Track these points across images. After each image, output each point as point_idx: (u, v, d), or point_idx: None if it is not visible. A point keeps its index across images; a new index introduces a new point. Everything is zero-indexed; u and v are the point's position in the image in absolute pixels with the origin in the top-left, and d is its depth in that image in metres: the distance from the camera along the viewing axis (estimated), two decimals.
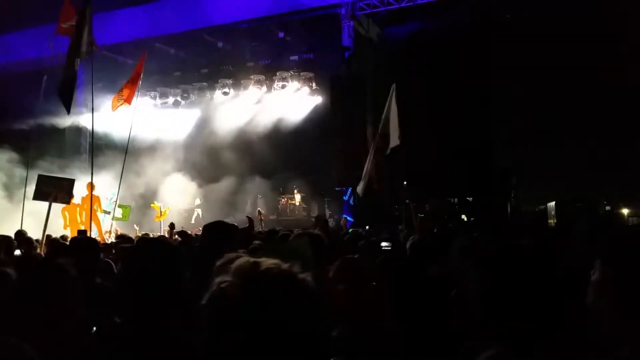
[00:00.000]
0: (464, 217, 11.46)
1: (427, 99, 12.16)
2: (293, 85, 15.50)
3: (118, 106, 11.94)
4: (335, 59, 13.44)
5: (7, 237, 5.25)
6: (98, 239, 10.75)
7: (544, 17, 11.25)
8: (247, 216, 6.64)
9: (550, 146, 11.47)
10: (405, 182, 12.36)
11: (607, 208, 10.34)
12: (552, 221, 9.47)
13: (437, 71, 12.29)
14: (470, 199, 12.02)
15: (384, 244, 5.55)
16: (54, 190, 8.48)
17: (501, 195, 11.45)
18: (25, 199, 11.31)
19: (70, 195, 9.25)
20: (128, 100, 11.68)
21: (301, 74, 15.07)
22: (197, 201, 16.52)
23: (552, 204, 9.93)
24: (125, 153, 11.32)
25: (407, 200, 12.37)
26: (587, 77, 10.77)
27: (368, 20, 13.68)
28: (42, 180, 8.70)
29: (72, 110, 16.86)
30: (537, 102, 11.51)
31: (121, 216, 11.82)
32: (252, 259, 1.09)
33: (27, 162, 13.20)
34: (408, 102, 12.11)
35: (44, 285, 1.95)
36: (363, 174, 8.68)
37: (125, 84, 11.95)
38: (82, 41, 9.57)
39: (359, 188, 8.74)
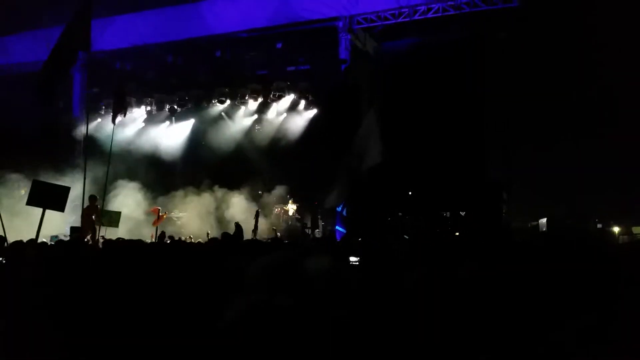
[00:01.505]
0: (456, 233, 11.50)
1: (421, 113, 12.26)
2: (289, 95, 15.60)
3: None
4: (331, 71, 13.56)
5: None
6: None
7: (540, 35, 11.41)
8: (236, 222, 6.67)
9: (543, 162, 11.57)
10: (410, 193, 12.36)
11: (599, 225, 10.40)
12: (542, 238, 9.51)
13: (431, 86, 12.42)
14: (463, 213, 12.07)
15: (352, 258, 4.81)
16: (48, 197, 8.44)
17: (492, 210, 11.51)
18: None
19: (64, 204, 9.21)
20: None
21: (298, 84, 15.17)
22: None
23: (544, 220, 9.99)
24: (109, 159, 11.20)
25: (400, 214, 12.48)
26: (583, 95, 10.90)
27: (365, 34, 13.84)
28: (36, 186, 8.61)
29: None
30: (530, 119, 11.63)
31: (110, 222, 11.70)
32: None
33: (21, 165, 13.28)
34: (402, 115, 12.26)
35: None
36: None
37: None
38: (76, 40, 9.50)
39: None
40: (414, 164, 11.98)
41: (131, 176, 15.79)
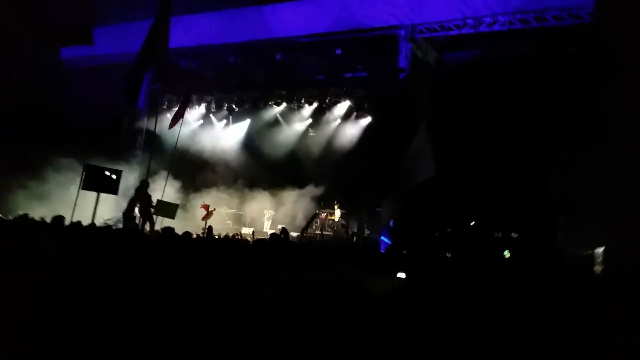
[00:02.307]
0: (506, 253, 11.07)
1: (479, 128, 11.93)
2: (345, 102, 15.60)
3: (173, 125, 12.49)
4: (389, 80, 13.43)
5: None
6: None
7: (610, 53, 10.84)
8: (282, 226, 6.69)
9: (605, 186, 10.97)
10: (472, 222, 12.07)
11: None
12: (598, 267, 9.01)
13: (492, 100, 12.06)
14: (516, 235, 11.63)
15: (400, 274, 4.47)
16: (102, 181, 8.79)
17: (547, 234, 11.03)
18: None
19: (117, 187, 9.52)
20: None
21: (354, 91, 15.13)
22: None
23: (600, 249, 9.45)
24: (174, 151, 11.51)
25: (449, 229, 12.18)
26: None
27: (427, 44, 13.62)
28: (90, 170, 8.96)
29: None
30: (594, 140, 11.06)
31: (166, 214, 11.96)
32: None
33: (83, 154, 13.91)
34: (460, 129, 11.97)
35: None
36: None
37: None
38: (157, 43, 10.02)
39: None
40: (467, 180, 11.66)
41: (184, 172, 16.25)
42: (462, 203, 11.65)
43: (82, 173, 10.35)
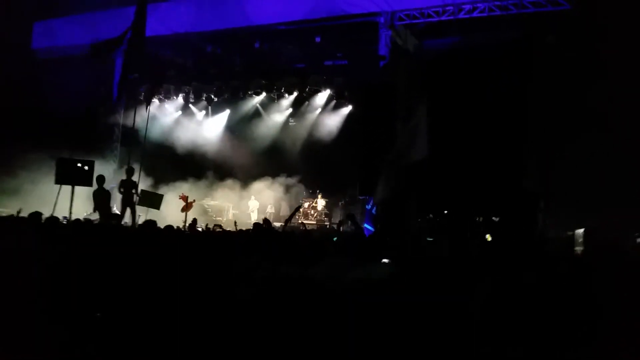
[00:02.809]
0: (488, 237, 11.19)
1: (459, 114, 11.96)
2: (325, 90, 15.51)
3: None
4: (369, 68, 13.37)
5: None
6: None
7: (590, 40, 10.95)
8: (264, 218, 6.61)
9: (584, 171, 11.13)
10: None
11: (638, 240, 9.93)
12: (578, 248, 9.15)
13: (472, 87, 12.09)
14: (497, 219, 11.75)
15: (384, 260, 4.54)
16: (75, 174, 8.60)
17: (527, 217, 11.16)
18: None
19: (91, 178, 9.34)
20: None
21: (334, 79, 15.04)
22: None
23: (580, 231, 9.60)
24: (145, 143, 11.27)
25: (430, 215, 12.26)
26: (634, 106, 10.41)
27: (406, 31, 13.57)
28: (61, 164, 8.77)
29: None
30: (573, 126, 11.19)
31: (151, 204, 11.68)
32: None
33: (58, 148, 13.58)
34: (439, 115, 11.99)
35: None
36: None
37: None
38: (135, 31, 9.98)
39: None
40: (447, 166, 11.70)
41: (164, 164, 16.02)
42: (443, 188, 11.70)
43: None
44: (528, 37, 12.08)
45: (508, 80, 11.87)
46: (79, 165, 9.06)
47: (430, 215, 12.18)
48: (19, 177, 13.82)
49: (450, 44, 13.26)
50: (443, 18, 12.86)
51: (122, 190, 11.65)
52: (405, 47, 13.34)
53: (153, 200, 11.44)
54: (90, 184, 9.32)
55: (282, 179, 16.01)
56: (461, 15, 12.74)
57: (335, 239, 5.99)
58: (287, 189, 16.03)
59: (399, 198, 10.07)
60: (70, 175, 8.63)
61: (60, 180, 8.64)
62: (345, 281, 2.69)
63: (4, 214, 8.88)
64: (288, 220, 7.76)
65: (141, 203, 11.29)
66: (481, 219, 11.74)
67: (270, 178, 16.08)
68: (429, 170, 9.58)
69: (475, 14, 12.64)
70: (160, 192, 13.35)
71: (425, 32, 13.56)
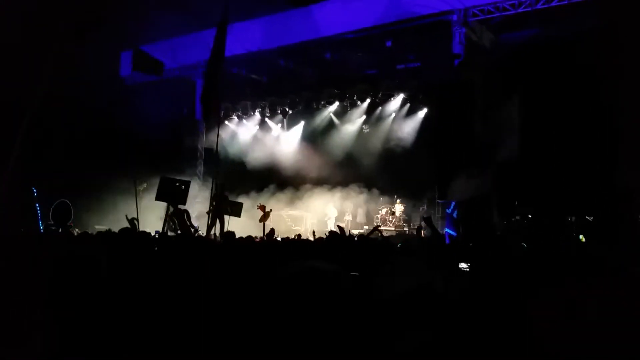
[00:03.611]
0: (581, 237, 10.42)
1: (543, 110, 11.30)
2: (399, 95, 15.30)
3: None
4: (443, 68, 13.01)
5: None
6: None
7: None
8: (338, 225, 6.53)
9: None
10: (516, 202, 11.55)
11: None
12: None
13: (556, 80, 11.39)
14: (591, 218, 10.93)
15: (462, 265, 4.37)
16: (173, 192, 9.09)
17: (625, 217, 10.27)
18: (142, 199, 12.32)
19: (186, 197, 9.81)
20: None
21: (407, 83, 14.79)
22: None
23: None
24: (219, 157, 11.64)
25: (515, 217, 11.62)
26: None
27: (481, 27, 13.10)
28: (163, 182, 9.29)
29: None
30: None
31: (233, 212, 12.03)
32: None
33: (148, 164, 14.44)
34: (521, 111, 11.40)
35: None
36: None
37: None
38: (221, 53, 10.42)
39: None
40: (534, 164, 11.07)
41: (244, 177, 16.52)
42: (531, 188, 11.08)
43: (135, 186, 10.72)
44: (612, 23, 11.21)
45: (594, 71, 11.06)
46: (177, 184, 9.57)
47: (518, 217, 11.56)
48: (106, 196, 14.81)
49: (529, 36, 12.63)
50: (520, 10, 12.28)
51: (213, 204, 12.12)
52: (481, 43, 12.87)
53: (235, 209, 11.76)
54: (184, 203, 9.82)
55: (358, 186, 15.93)
56: (539, 6, 12.09)
57: (399, 244, 5.79)
58: (364, 195, 15.91)
59: (482, 199, 9.67)
60: (168, 193, 9.13)
61: (160, 197, 9.18)
62: (400, 288, 2.50)
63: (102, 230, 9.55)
64: (367, 236, 7.67)
65: (225, 212, 11.66)
66: (573, 219, 10.97)
67: (347, 186, 16.06)
68: (516, 170, 9.12)
69: (554, 4, 11.95)
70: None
71: (501, 26, 13.02)
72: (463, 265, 4.54)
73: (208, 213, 11.86)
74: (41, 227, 13.40)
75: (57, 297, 2.23)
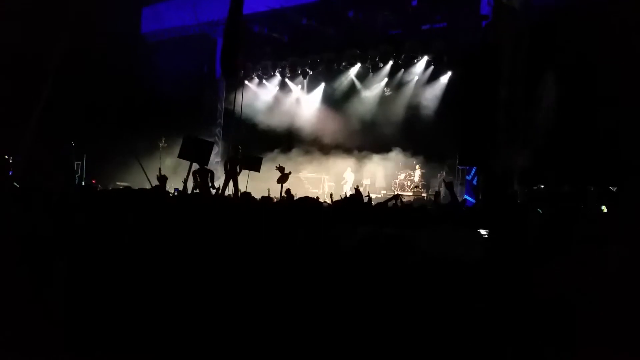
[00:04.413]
0: (603, 208, 10.25)
1: (572, 77, 10.94)
2: (423, 57, 14.93)
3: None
4: (470, 29, 12.60)
5: None
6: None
7: None
8: (356, 187, 6.47)
9: None
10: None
11: None
12: None
13: (587, 46, 10.94)
14: (614, 188, 10.71)
15: (481, 231, 4.20)
16: (196, 151, 9.14)
17: None
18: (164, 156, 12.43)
19: (208, 158, 9.85)
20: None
21: (432, 44, 14.38)
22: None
23: None
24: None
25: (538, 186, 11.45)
26: None
27: None
28: (187, 141, 9.31)
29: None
30: None
31: (251, 167, 12.00)
32: None
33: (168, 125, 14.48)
34: (549, 82, 11.06)
35: None
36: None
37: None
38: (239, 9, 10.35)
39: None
40: (556, 133, 10.81)
41: (263, 138, 16.48)
42: (555, 157, 10.87)
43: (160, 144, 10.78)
44: None
45: (629, 39, 10.58)
46: (200, 144, 9.59)
47: (541, 186, 11.39)
48: (126, 153, 14.95)
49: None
50: None
51: (228, 166, 12.12)
52: (511, 5, 12.37)
53: (253, 163, 11.72)
54: (206, 163, 9.85)
55: (378, 150, 15.79)
56: None
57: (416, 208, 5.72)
58: (383, 160, 15.80)
59: (504, 166, 9.52)
60: (191, 152, 9.16)
61: (183, 156, 9.21)
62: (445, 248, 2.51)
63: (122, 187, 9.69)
64: (383, 203, 7.60)
65: (243, 167, 11.65)
66: (593, 188, 10.77)
67: (366, 150, 15.95)
68: (541, 140, 8.92)
69: None
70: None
71: None
72: (482, 231, 4.49)
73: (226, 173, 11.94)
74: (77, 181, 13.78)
75: (84, 248, 2.25)
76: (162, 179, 5.36)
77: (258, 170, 11.75)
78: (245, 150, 12.73)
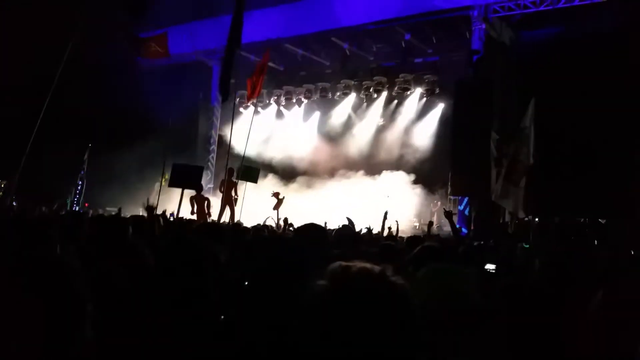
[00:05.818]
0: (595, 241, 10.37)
1: (560, 109, 11.20)
2: (415, 88, 15.24)
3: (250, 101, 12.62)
4: (462, 63, 12.95)
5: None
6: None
7: None
8: (347, 217, 6.51)
9: None
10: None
11: None
12: None
13: (574, 80, 11.26)
14: (603, 221, 10.87)
15: (489, 266, 4.39)
16: (186, 178, 9.19)
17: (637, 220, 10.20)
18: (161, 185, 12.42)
19: (199, 184, 9.89)
20: (254, 95, 12.32)
21: (424, 77, 14.73)
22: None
23: None
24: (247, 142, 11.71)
25: (527, 217, 11.57)
26: None
27: (501, 24, 12.98)
28: (175, 169, 9.36)
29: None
30: None
31: (248, 178, 11.98)
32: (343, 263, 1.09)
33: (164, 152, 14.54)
34: (539, 111, 11.32)
35: None
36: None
37: (250, 79, 12.67)
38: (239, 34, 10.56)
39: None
40: (548, 164, 11.00)
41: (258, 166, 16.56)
42: (544, 188, 11.02)
43: (162, 171, 10.84)
44: (635, 24, 11.04)
45: (615, 72, 10.92)
46: (190, 170, 9.65)
47: (529, 217, 11.52)
48: (119, 180, 14.95)
49: (550, 35, 12.49)
50: (541, 8, 12.15)
51: (222, 189, 12.14)
52: (501, 40, 12.75)
53: (251, 175, 11.70)
54: (197, 188, 9.90)
55: (370, 179, 15.91)
56: (561, 5, 11.96)
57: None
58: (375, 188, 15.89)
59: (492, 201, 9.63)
60: (181, 180, 9.21)
61: (173, 184, 9.25)
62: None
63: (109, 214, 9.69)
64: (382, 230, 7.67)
65: (241, 178, 11.63)
66: (586, 220, 10.92)
67: (359, 177, 16.07)
68: (531, 170, 9.07)
69: (576, 2, 11.81)
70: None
71: (523, 23, 12.88)
72: (490, 266, 4.53)
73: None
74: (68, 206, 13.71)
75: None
76: (149, 209, 5.42)
77: (255, 181, 11.74)
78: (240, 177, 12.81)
